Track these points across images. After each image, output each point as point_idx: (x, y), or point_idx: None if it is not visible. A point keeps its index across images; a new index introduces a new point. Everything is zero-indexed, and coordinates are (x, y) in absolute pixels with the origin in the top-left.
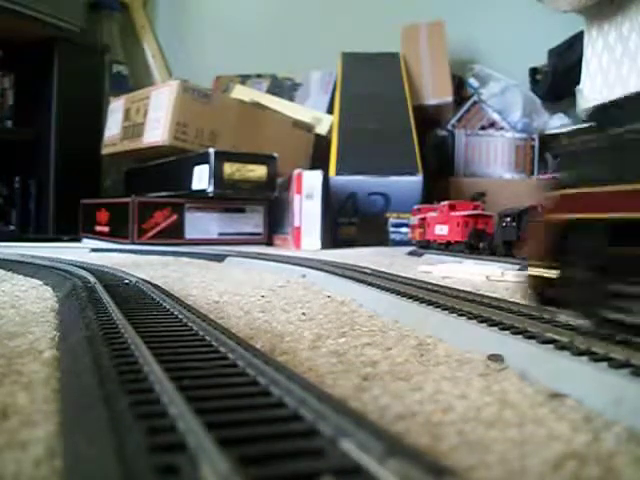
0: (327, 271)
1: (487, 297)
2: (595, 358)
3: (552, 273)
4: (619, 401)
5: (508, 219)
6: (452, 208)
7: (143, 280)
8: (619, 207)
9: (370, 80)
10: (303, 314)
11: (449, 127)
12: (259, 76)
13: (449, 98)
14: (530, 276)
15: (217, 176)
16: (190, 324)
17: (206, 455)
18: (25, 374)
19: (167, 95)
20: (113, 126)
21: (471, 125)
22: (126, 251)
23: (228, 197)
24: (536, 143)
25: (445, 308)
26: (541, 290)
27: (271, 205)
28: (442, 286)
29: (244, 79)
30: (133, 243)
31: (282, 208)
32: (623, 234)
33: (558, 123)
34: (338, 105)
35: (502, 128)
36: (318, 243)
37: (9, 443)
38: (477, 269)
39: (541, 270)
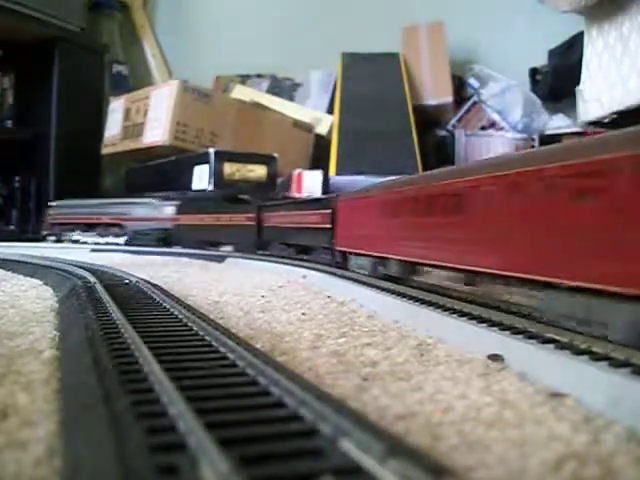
0: (327, 272)
1: None
2: (595, 358)
3: None
4: (619, 401)
5: None
6: None
7: (143, 280)
8: None
9: (370, 80)
10: (303, 314)
11: (449, 127)
12: (259, 76)
13: (449, 98)
14: None
15: (217, 176)
16: (190, 324)
17: (206, 455)
18: (25, 374)
19: (167, 95)
20: (113, 126)
21: (471, 125)
22: (126, 251)
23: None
24: (536, 143)
25: (445, 309)
26: None
27: None
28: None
29: (244, 79)
30: None
31: None
32: None
33: (558, 123)
34: (338, 105)
35: (502, 128)
36: None
37: (9, 443)
38: None
39: None
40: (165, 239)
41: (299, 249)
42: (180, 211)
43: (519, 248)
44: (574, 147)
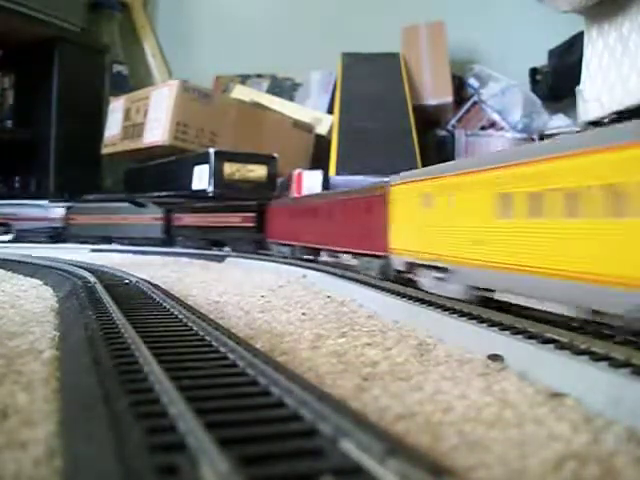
0: (327, 272)
1: None
2: (595, 358)
3: None
4: (619, 401)
5: None
6: None
7: (143, 280)
8: None
9: (370, 80)
10: (303, 314)
11: (449, 127)
12: (259, 76)
13: (449, 98)
14: None
15: (217, 176)
16: (190, 324)
17: (206, 455)
18: (25, 374)
19: (167, 95)
20: (113, 126)
21: (471, 125)
22: (126, 251)
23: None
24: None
25: (445, 309)
26: None
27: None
28: None
29: (244, 79)
30: None
31: None
32: None
33: (558, 123)
34: (338, 105)
35: (502, 128)
36: None
37: (9, 443)
38: None
39: None
40: (53, 236)
41: (212, 242)
42: (72, 212)
43: (336, 235)
44: (340, 193)
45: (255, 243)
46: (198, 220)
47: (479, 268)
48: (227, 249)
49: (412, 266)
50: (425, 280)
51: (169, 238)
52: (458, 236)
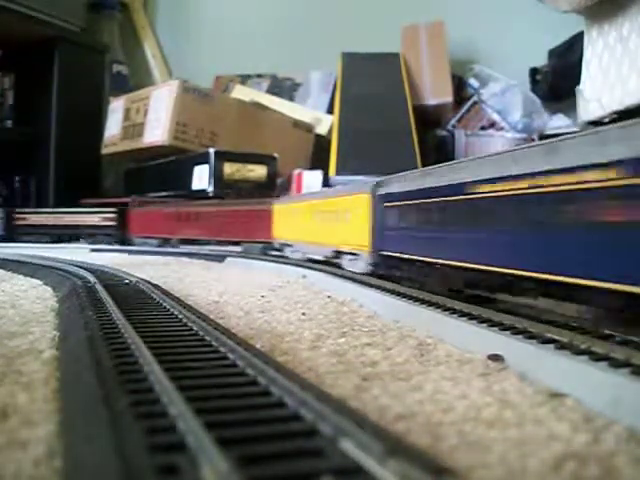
0: (327, 272)
1: None
2: (595, 358)
3: None
4: (619, 401)
5: None
6: None
7: (143, 280)
8: None
9: (370, 80)
10: (303, 314)
11: (449, 127)
12: (259, 76)
13: (449, 98)
14: None
15: (217, 176)
16: (190, 324)
17: (206, 455)
18: (25, 374)
19: (167, 95)
20: (113, 126)
21: (471, 125)
22: (126, 251)
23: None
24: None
25: (445, 309)
26: None
27: None
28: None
29: (244, 79)
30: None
31: None
32: None
33: (558, 123)
34: (338, 105)
35: (502, 128)
36: None
37: (9, 443)
38: None
39: None
40: None
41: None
42: None
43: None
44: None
45: (113, 237)
46: (44, 219)
47: (304, 244)
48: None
49: (283, 245)
50: (287, 251)
51: (10, 234)
52: (298, 229)
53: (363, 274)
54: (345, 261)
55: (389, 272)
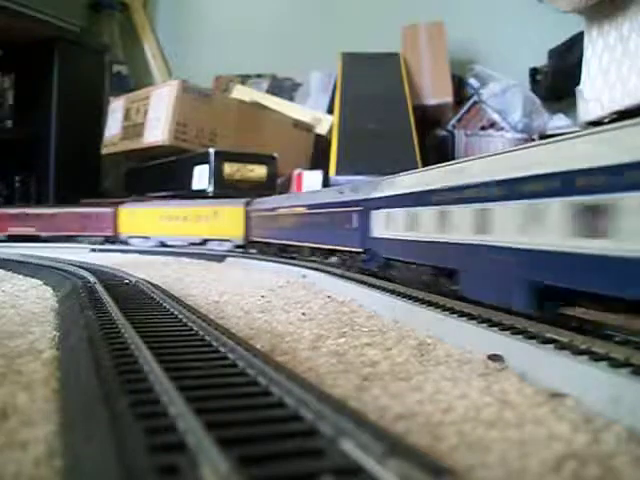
0: (327, 272)
1: None
2: (595, 358)
3: None
4: (619, 401)
5: None
6: None
7: (143, 280)
8: None
9: (370, 80)
10: (303, 314)
11: (449, 127)
12: (259, 76)
13: (449, 98)
14: None
15: (217, 176)
16: (190, 324)
17: (206, 455)
18: (25, 374)
19: (167, 95)
20: (113, 126)
21: (471, 125)
22: (126, 251)
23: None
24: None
25: (445, 309)
26: None
27: None
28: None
29: (244, 79)
30: None
31: None
32: None
33: (558, 123)
34: (338, 105)
35: (502, 128)
36: None
37: (9, 443)
38: None
39: None
40: None
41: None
42: None
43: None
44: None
45: None
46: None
47: (162, 235)
48: None
49: (128, 237)
50: (133, 241)
51: None
52: (148, 226)
53: (242, 252)
54: (214, 245)
55: (251, 248)
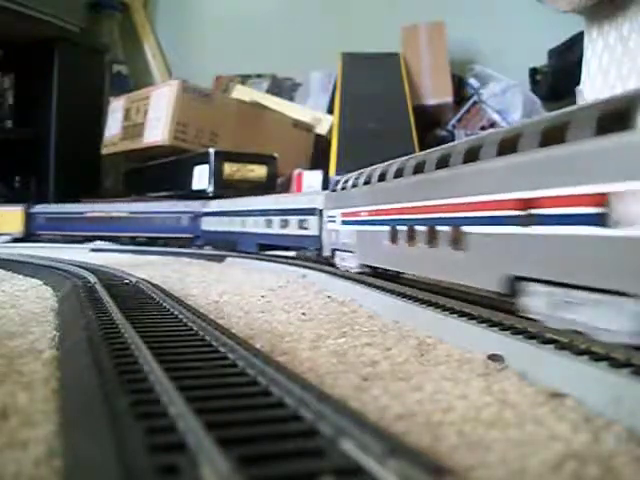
0: (327, 272)
1: None
2: (595, 358)
3: None
4: (619, 401)
5: None
6: None
7: (143, 280)
8: None
9: (370, 80)
10: (303, 314)
11: (449, 127)
12: (259, 76)
13: (449, 98)
14: None
15: (217, 176)
16: (190, 324)
17: (206, 455)
18: (25, 374)
19: (167, 95)
20: (113, 126)
21: (471, 125)
22: (126, 251)
23: None
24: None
25: (445, 309)
26: None
27: None
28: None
29: (244, 79)
30: None
31: None
32: None
33: None
34: (338, 105)
35: None
36: None
37: (9, 443)
38: None
39: None
40: None
41: None
42: None
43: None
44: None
45: None
46: None
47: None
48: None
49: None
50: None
51: None
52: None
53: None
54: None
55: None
